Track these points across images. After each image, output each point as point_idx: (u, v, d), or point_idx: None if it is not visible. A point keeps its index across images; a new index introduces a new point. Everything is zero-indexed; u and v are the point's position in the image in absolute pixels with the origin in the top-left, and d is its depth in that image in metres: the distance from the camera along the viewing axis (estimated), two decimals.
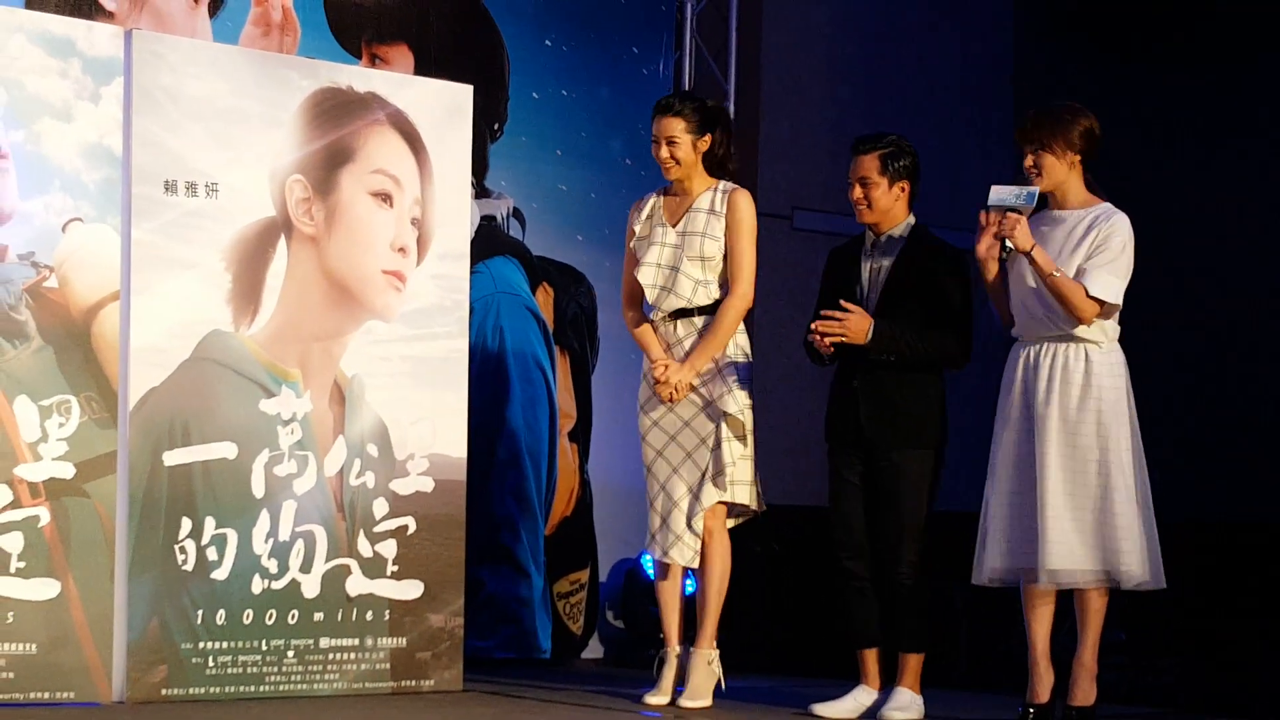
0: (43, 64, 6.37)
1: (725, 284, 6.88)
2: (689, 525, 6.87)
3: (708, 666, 6.85)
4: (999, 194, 6.48)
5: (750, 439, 6.88)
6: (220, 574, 6.61)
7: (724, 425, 6.83)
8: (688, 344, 6.87)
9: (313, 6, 8.14)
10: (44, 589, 6.30)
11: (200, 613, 6.58)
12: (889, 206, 6.72)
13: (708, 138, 6.91)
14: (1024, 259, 6.46)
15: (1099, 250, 6.43)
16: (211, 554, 6.60)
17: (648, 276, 6.91)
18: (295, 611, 6.77)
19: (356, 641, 6.90)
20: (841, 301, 6.63)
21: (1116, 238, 6.44)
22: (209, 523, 6.61)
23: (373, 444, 6.95)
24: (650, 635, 8.20)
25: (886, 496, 6.65)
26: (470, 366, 7.30)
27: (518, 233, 8.78)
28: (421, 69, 8.29)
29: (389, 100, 7.04)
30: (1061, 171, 6.54)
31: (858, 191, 6.72)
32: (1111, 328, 6.53)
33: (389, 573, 6.99)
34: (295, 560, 6.77)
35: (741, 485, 6.88)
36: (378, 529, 6.96)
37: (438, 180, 7.14)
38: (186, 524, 6.57)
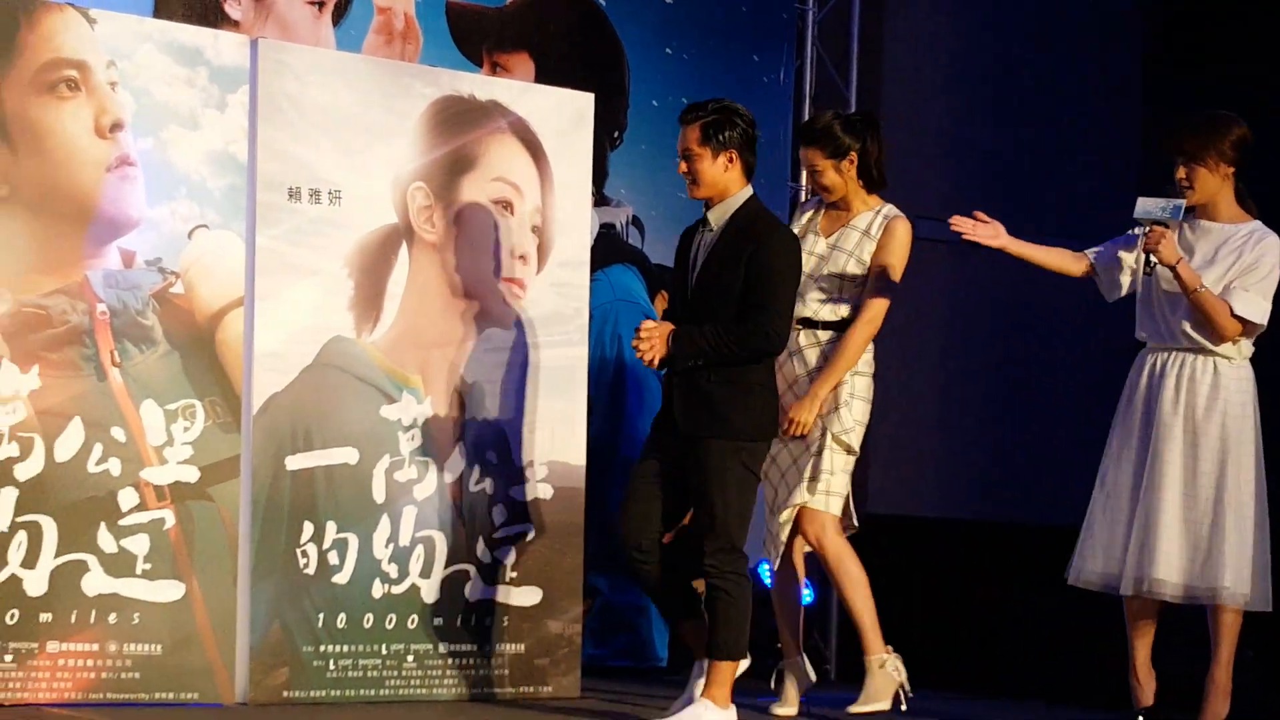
0: (170, 72, 6.43)
1: (858, 306, 6.82)
2: (780, 524, 6.84)
3: (880, 670, 6.78)
4: (1145, 206, 6.41)
5: (854, 455, 6.83)
6: (341, 578, 6.65)
7: (829, 434, 6.80)
8: (808, 354, 6.85)
9: (435, 15, 8.19)
10: (169, 591, 6.36)
11: (321, 616, 6.62)
12: (716, 179, 6.28)
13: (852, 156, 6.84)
14: (1167, 271, 6.41)
15: (1250, 270, 6.40)
16: (333, 558, 6.65)
17: None
18: (415, 616, 6.80)
19: (475, 647, 6.93)
20: (644, 323, 6.26)
21: (1268, 258, 6.42)
22: (330, 527, 6.65)
23: (492, 451, 6.98)
24: (768, 644, 8.16)
25: (694, 491, 6.28)
26: (589, 374, 7.31)
27: (637, 240, 8.79)
28: (542, 77, 8.31)
29: (510, 108, 7.07)
30: (1214, 184, 6.48)
31: (683, 165, 6.36)
32: (1245, 344, 6.48)
33: (508, 579, 7.01)
34: (415, 565, 6.80)
35: (836, 497, 6.83)
36: (497, 535, 6.99)
37: (558, 188, 7.16)
38: (308, 528, 6.62)
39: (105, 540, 6.26)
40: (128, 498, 6.32)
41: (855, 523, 6.95)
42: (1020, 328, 10.34)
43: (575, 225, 7.22)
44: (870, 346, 6.88)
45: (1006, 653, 8.10)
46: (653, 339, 6.20)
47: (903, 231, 6.83)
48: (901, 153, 10.09)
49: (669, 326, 6.23)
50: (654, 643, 8.57)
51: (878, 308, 6.79)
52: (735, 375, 6.23)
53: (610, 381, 8.49)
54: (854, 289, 6.82)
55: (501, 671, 6.97)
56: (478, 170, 6.98)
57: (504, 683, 6.97)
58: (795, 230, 6.95)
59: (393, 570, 6.74)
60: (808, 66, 9.44)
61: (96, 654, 6.25)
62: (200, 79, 6.52)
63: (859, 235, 6.83)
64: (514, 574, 7.02)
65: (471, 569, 6.93)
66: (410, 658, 6.78)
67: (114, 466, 6.29)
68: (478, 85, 7.09)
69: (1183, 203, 6.40)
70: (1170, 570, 6.35)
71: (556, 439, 7.14)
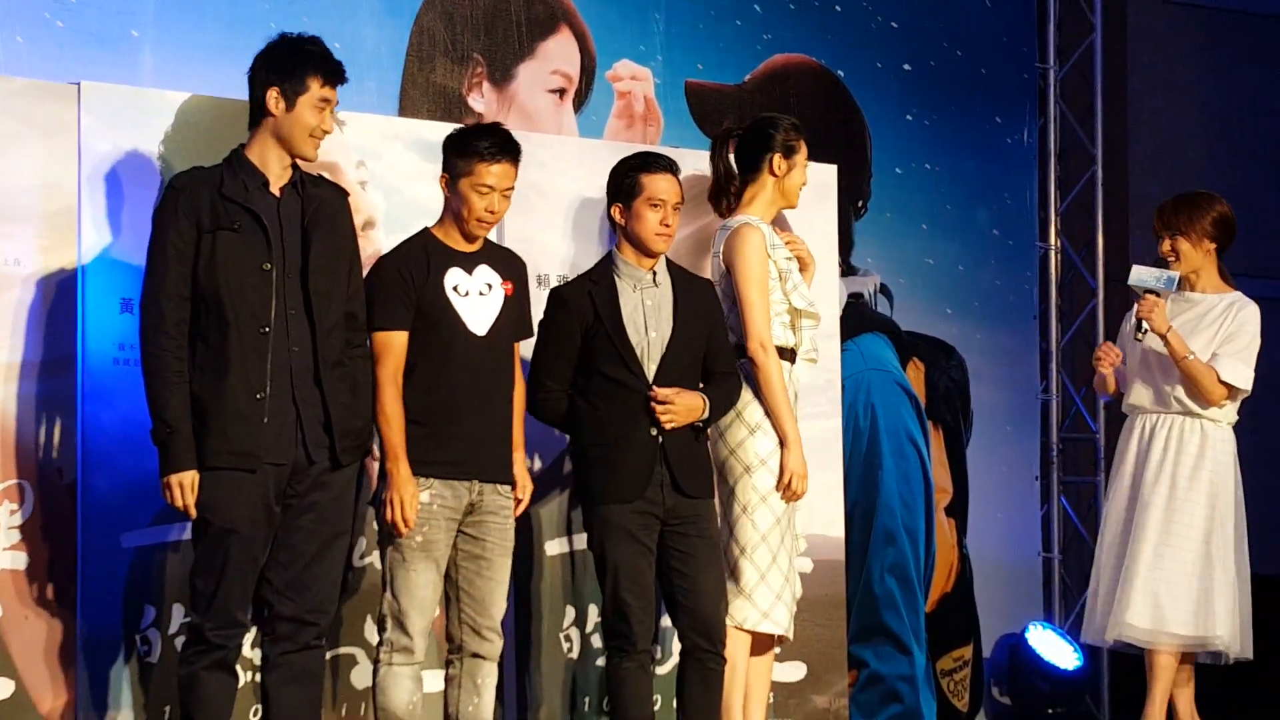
0: (418, 169, 6.52)
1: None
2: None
3: None
4: (1140, 275, 6.78)
5: (758, 548, 6.27)
6: (602, 660, 6.67)
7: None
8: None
9: (674, 96, 8.26)
10: None
11: (587, 700, 6.64)
12: None
13: None
14: (1156, 338, 6.78)
15: (1231, 339, 6.81)
16: (595, 641, 6.67)
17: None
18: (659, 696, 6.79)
19: None
20: (666, 404, 5.94)
21: (1248, 327, 6.85)
22: (591, 610, 6.67)
23: None
24: (1039, 711, 8.07)
25: (689, 558, 6.03)
26: (843, 445, 7.27)
27: (886, 309, 8.75)
28: None
29: None
30: (1197, 258, 6.90)
31: (672, 219, 6.07)
32: (1230, 409, 6.88)
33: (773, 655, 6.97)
34: (676, 644, 6.79)
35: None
36: None
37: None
38: (569, 613, 6.64)
39: None
40: None
41: (783, 633, 6.40)
42: None
43: (824, 296, 7.20)
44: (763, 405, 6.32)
45: None
46: (678, 412, 5.96)
47: (741, 241, 6.24)
48: (1154, 202, 9.96)
49: (683, 393, 5.97)
50: (921, 712, 8.48)
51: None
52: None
53: (865, 451, 8.44)
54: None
55: None
56: None
57: None
58: None
59: (655, 650, 6.75)
60: (1051, 124, 9.37)
61: None
62: None
63: (709, 255, 6.47)
64: (778, 650, 6.99)
65: None
66: None
67: None
68: None
69: (1177, 274, 6.82)
70: (1146, 619, 6.71)
71: (815, 512, 7.10)
